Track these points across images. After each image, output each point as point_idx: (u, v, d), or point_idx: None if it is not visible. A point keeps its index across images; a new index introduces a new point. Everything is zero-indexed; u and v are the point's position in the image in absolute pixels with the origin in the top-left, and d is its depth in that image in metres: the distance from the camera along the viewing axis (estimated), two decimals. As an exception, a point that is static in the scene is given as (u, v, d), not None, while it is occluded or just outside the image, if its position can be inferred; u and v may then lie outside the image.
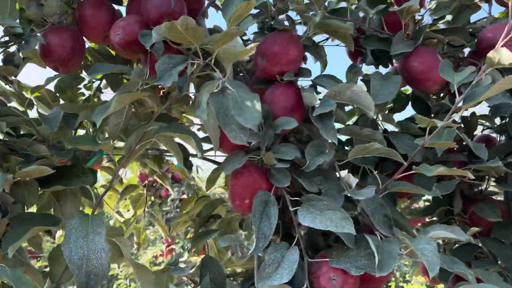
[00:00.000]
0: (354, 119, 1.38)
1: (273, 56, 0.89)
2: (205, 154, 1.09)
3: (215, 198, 1.20)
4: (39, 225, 0.81)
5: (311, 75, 0.94)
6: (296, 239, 0.78)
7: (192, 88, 1.41)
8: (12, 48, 1.00)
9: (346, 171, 1.01)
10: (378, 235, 0.77)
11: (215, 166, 1.35)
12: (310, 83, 0.97)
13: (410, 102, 1.30)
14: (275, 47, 0.89)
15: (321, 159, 0.78)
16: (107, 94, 1.44)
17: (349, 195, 0.75)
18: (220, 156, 1.24)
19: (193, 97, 1.31)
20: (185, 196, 3.67)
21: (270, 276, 0.72)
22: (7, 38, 0.97)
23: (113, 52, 1.31)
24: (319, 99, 0.87)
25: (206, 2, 1.15)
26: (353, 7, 1.29)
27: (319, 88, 0.98)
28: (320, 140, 0.84)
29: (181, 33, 0.80)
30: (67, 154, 0.91)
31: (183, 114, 1.54)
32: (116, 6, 1.10)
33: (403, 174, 0.86)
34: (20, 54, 0.99)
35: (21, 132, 1.04)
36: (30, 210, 0.95)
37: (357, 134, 0.89)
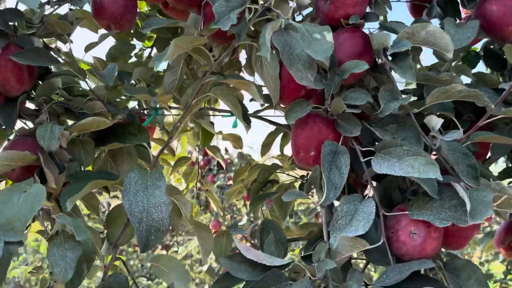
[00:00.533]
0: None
1: (338, -2, 0.82)
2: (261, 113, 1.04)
3: (271, 164, 1.14)
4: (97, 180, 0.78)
5: (378, 19, 0.86)
6: (369, 192, 0.71)
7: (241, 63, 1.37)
8: (64, 10, 0.98)
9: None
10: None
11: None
12: (377, 31, 0.89)
13: (481, 60, 1.20)
14: (340, -12, 0.81)
15: (396, 103, 0.71)
16: (158, 63, 1.41)
17: (432, 136, 0.67)
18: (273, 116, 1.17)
19: (243, 62, 1.26)
20: (231, 182, 3.65)
21: (344, 228, 0.65)
22: (60, -4, 0.96)
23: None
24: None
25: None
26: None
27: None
28: (393, 85, 0.76)
29: (239, -27, 0.75)
30: (123, 111, 0.89)
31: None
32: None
33: (485, 122, 0.77)
34: (73, 13, 0.97)
35: (76, 94, 1.02)
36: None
37: (433, 79, 0.80)
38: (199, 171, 1.71)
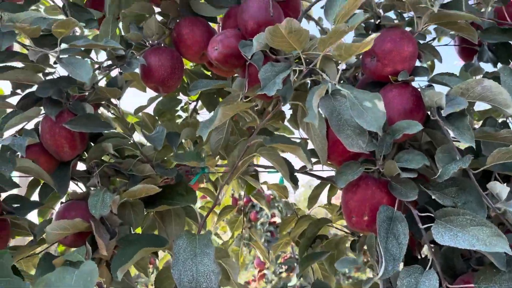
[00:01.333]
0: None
1: (385, 55, 0.80)
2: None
3: (320, 218, 1.11)
4: (147, 247, 0.78)
5: (428, 73, 0.83)
6: (430, 261, 0.67)
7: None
8: (114, 73, 1.02)
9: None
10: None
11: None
12: (426, 84, 0.86)
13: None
14: (387, 44, 0.79)
15: (455, 167, 0.67)
16: (203, 115, 1.44)
17: (495, 206, 0.62)
18: (319, 171, 1.15)
19: (287, 112, 1.26)
20: (275, 220, 3.60)
21: (405, 305, 0.61)
22: (110, 62, 0.99)
23: (208, 72, 1.30)
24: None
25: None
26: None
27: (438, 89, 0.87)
28: (450, 144, 0.72)
29: (283, 37, 0.75)
30: (171, 173, 0.89)
31: (276, 132, 1.49)
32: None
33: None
34: (122, 77, 1.01)
35: (126, 154, 1.05)
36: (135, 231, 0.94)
37: (491, 136, 0.76)
38: (244, 218, 1.69)
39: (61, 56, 0.87)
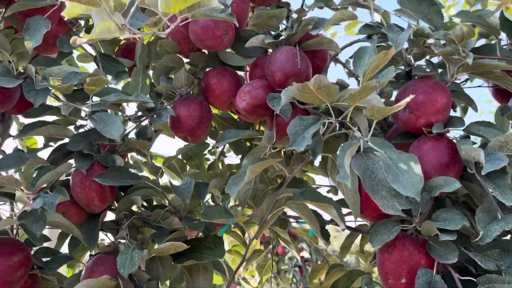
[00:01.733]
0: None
1: (417, 106, 0.78)
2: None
3: (353, 269, 1.07)
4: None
5: (464, 124, 0.80)
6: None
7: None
8: (144, 122, 1.03)
9: None
10: None
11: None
12: (461, 133, 0.84)
13: None
14: (420, 96, 0.77)
15: (497, 228, 0.63)
16: (230, 158, 1.44)
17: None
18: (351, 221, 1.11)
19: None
20: (304, 254, 3.52)
21: None
22: (140, 113, 1.01)
23: (235, 116, 1.31)
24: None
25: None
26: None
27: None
28: (490, 202, 0.69)
29: (312, 92, 0.74)
30: (199, 226, 0.88)
31: (305, 173, 1.46)
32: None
33: None
34: (152, 127, 1.02)
35: (154, 203, 1.04)
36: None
37: (536, 192, 0.72)
38: (273, 263, 1.65)
39: (92, 110, 0.89)
